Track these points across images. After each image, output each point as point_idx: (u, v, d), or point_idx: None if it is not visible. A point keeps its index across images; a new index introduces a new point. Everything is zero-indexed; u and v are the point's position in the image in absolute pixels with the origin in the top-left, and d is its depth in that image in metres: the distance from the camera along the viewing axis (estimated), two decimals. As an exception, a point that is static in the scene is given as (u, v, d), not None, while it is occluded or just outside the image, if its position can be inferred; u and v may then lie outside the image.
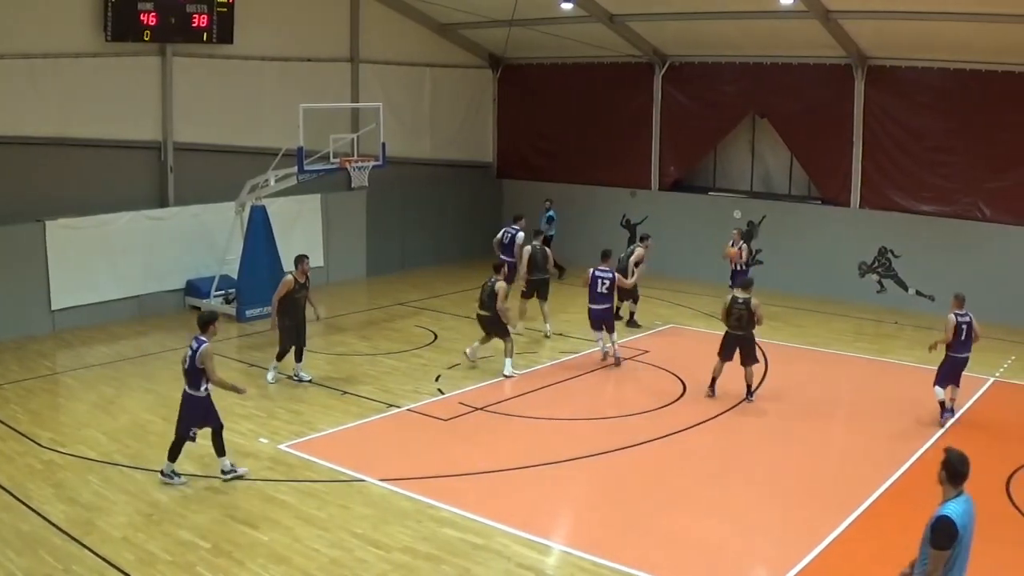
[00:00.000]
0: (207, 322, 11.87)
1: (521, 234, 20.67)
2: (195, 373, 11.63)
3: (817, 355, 18.24)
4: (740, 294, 15.08)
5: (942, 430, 13.84)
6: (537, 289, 19.34)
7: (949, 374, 14.11)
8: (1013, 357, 17.97)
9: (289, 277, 15.66)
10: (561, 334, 19.03)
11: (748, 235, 24.12)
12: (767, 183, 25.09)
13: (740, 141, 25.28)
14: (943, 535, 6.50)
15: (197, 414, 11.70)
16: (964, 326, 13.95)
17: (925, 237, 21.58)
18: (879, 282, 22.37)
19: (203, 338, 11.69)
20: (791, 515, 11.12)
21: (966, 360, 14.13)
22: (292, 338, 15.61)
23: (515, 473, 12.24)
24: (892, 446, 13.23)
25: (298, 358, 15.91)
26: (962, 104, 20.84)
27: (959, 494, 6.67)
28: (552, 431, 13.88)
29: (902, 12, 19.10)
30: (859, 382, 16.91)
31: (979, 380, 16.44)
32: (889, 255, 22.18)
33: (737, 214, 24.33)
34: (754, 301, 14.95)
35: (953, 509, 6.56)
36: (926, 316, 21.07)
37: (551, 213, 24.83)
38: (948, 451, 6.85)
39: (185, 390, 11.77)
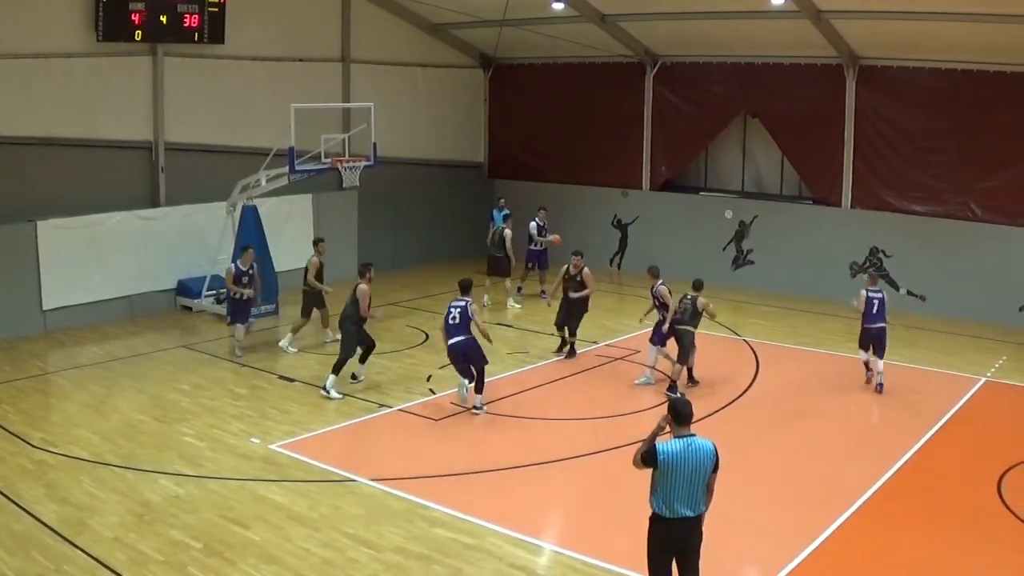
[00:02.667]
0: (469, 286, 15.09)
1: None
2: (467, 323, 14.47)
3: (809, 355, 18.28)
4: (692, 293, 15.91)
5: (933, 430, 13.89)
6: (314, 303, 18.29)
7: (866, 342, 15.88)
8: (1004, 357, 18.02)
9: (364, 287, 15.66)
10: (552, 334, 19.00)
11: (739, 235, 24.24)
12: (758, 183, 25.13)
13: (731, 141, 25.32)
14: (648, 455, 7.72)
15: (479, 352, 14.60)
16: (876, 301, 15.67)
17: (916, 237, 21.63)
18: (870, 282, 22.43)
19: (466, 297, 14.77)
20: (784, 514, 11.15)
21: (881, 331, 15.69)
22: (356, 343, 15.68)
23: (506, 473, 12.25)
24: (883, 445, 13.28)
25: (364, 359, 15.99)
26: (953, 104, 20.89)
27: (681, 436, 7.76)
28: (543, 431, 13.89)
29: (893, 12, 19.15)
30: (850, 381, 16.91)
31: (970, 380, 16.51)
32: (880, 255, 22.23)
33: (728, 214, 24.40)
34: (701, 300, 15.78)
35: (665, 444, 7.72)
36: (917, 316, 21.17)
37: (507, 211, 24.28)
38: (674, 399, 8.24)
39: (464, 338, 14.43)
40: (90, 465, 12.24)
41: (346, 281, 23.93)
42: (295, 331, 18.05)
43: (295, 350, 17.80)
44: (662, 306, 15.95)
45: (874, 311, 15.66)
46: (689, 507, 7.71)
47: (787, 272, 23.18)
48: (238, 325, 17.60)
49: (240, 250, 18.05)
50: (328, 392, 15.09)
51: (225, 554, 9.83)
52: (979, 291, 20.72)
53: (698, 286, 15.94)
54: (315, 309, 18.23)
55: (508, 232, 21.82)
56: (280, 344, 17.95)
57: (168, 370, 16.64)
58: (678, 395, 15.30)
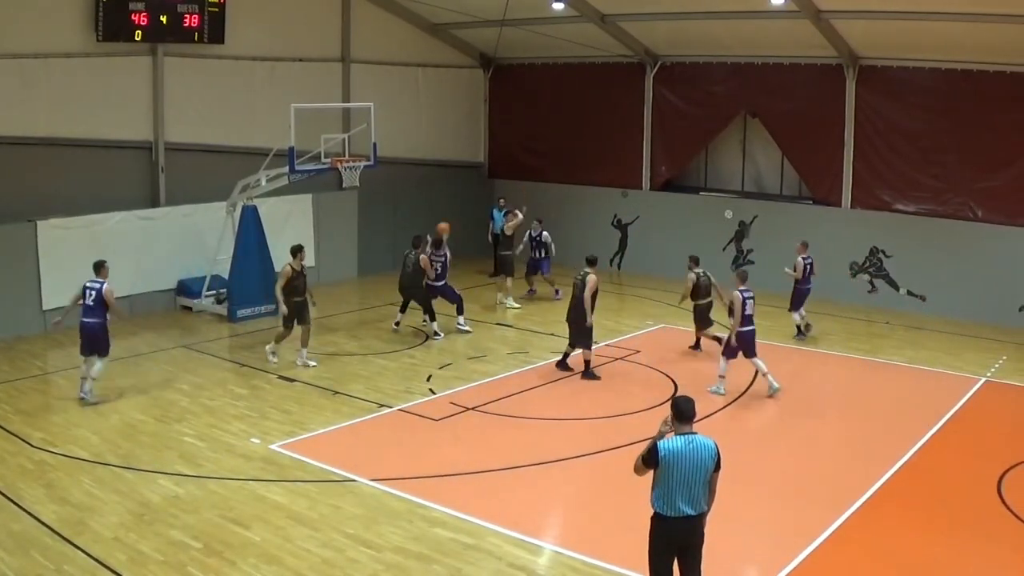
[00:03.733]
0: (441, 241, 19.15)
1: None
2: (446, 272, 19.00)
3: (808, 355, 18.27)
4: (699, 269, 17.84)
5: (933, 430, 13.89)
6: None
7: (798, 301, 19.11)
8: (1004, 357, 18.01)
9: (424, 256, 18.83)
10: (552, 334, 19.01)
11: (739, 235, 24.24)
12: (758, 183, 25.13)
13: (731, 141, 25.32)
14: (648, 454, 7.75)
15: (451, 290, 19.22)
16: (808, 265, 19.02)
17: (916, 237, 21.62)
18: (870, 282, 22.42)
19: (445, 251, 19.13)
20: (783, 514, 11.15)
21: (808, 291, 19.15)
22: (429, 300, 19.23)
23: (506, 473, 12.25)
24: (883, 445, 13.26)
25: (460, 311, 19.41)
26: (953, 104, 20.88)
27: (683, 434, 7.80)
28: (543, 431, 13.89)
29: (893, 12, 19.14)
30: (850, 382, 16.94)
31: (970, 380, 16.50)
32: (880, 255, 22.22)
33: (728, 214, 24.39)
34: (591, 278, 16.36)
35: (665, 443, 7.75)
36: (917, 316, 21.18)
37: (508, 210, 24.43)
38: (676, 397, 8.10)
39: (443, 283, 19.09)
40: (90, 465, 12.24)
41: (346, 281, 24.17)
42: (278, 340, 16.99)
43: (276, 360, 16.84)
44: (731, 312, 15.55)
45: (807, 274, 19.00)
46: (690, 505, 7.71)
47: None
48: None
49: (96, 266, 15.07)
50: (439, 334, 18.92)
51: (225, 554, 9.83)
52: (979, 291, 20.71)
53: (696, 261, 17.90)
54: (296, 322, 16.76)
55: (509, 228, 21.83)
56: (267, 350, 17.09)
57: (168, 370, 16.64)
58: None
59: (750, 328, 15.48)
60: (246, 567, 9.57)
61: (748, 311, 15.38)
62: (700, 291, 17.63)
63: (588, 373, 16.35)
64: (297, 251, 16.96)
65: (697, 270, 17.68)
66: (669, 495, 7.69)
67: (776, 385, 15.39)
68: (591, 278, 16.16)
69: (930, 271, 21.49)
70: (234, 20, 21.25)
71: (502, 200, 24.71)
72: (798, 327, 19.22)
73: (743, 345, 15.46)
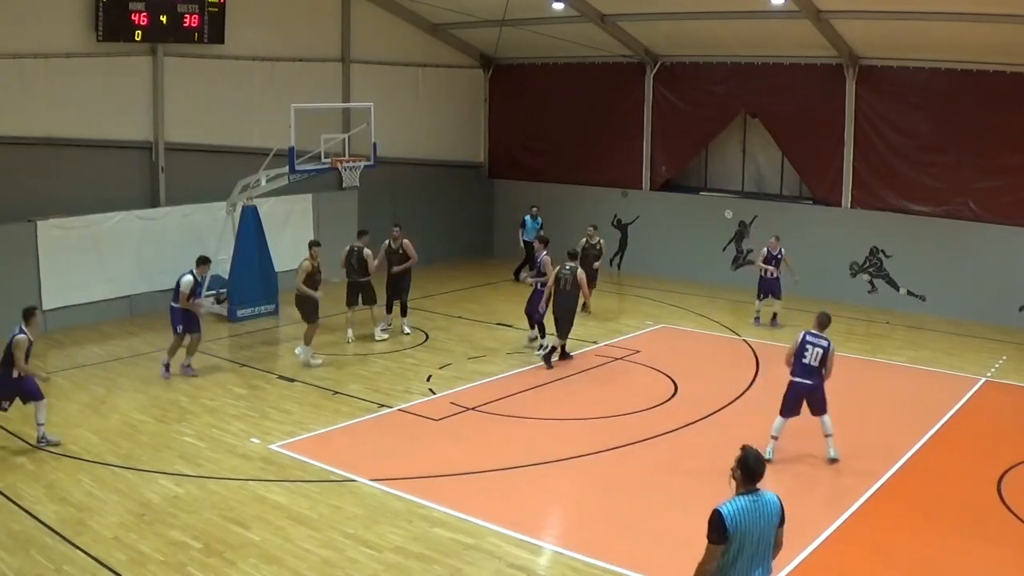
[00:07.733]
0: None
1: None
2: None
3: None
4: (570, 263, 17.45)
5: (933, 430, 13.89)
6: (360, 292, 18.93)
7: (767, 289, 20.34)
8: (1004, 357, 18.01)
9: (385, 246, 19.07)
10: (552, 333, 18.98)
11: (739, 235, 24.23)
12: (758, 183, 25.13)
13: (731, 141, 25.32)
14: (712, 528, 6.46)
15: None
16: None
17: (916, 237, 21.62)
18: (870, 282, 22.42)
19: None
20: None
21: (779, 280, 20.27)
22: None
23: (506, 473, 12.24)
24: (883, 445, 13.27)
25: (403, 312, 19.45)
26: (953, 104, 20.88)
27: (747, 492, 6.66)
28: (544, 431, 13.89)
29: (893, 12, 19.15)
30: (850, 382, 16.91)
31: (971, 380, 16.50)
32: (880, 255, 22.22)
33: (728, 214, 24.38)
34: (580, 272, 17.07)
35: (729, 505, 6.53)
36: (917, 316, 21.17)
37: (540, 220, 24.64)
38: (745, 449, 6.85)
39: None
40: (90, 465, 12.24)
41: (341, 281, 24.06)
42: (307, 341, 17.02)
43: (319, 361, 17.02)
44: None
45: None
46: (763, 570, 6.73)
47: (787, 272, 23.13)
48: None
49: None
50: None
51: (225, 554, 9.83)
52: (979, 291, 20.71)
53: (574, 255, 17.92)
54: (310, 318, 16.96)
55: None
56: (296, 353, 17.15)
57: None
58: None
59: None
60: (246, 567, 9.57)
61: (805, 359, 12.82)
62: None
63: (566, 355, 17.39)
64: (313, 245, 17.80)
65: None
66: (742, 565, 6.54)
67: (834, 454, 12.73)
68: (580, 272, 17.11)
69: (930, 271, 21.49)
70: (234, 20, 21.24)
71: (535, 208, 24.63)
72: (773, 315, 20.47)
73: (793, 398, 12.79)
